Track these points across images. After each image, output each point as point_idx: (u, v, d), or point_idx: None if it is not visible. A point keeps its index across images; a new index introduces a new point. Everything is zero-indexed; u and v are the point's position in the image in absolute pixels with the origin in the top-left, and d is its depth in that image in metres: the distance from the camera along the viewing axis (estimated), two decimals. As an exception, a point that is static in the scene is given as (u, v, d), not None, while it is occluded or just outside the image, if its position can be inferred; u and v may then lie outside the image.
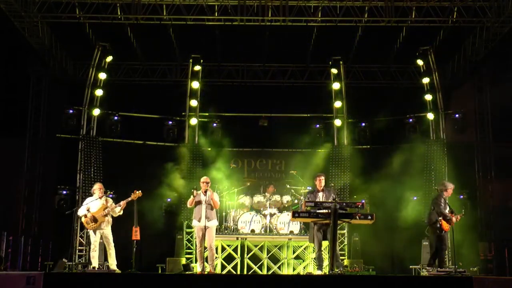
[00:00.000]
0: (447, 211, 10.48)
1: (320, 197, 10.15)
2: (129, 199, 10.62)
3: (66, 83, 15.33)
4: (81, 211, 10.74)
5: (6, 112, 14.73)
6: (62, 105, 14.28)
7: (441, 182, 11.23)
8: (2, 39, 13.61)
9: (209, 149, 14.77)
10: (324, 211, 9.49)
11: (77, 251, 13.40)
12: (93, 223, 10.54)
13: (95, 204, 10.69)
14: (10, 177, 14.70)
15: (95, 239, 10.62)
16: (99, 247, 10.95)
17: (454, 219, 10.49)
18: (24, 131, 14.77)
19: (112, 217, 10.78)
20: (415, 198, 13.76)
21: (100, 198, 10.72)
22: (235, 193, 13.40)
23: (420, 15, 12.88)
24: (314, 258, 10.64)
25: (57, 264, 11.94)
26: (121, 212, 10.78)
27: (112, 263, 10.59)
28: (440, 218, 10.44)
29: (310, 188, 13.19)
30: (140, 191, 10.70)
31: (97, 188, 10.83)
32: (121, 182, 13.09)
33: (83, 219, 10.72)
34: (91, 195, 11.03)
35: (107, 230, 10.65)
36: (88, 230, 10.76)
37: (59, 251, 13.16)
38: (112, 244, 10.64)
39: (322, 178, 10.43)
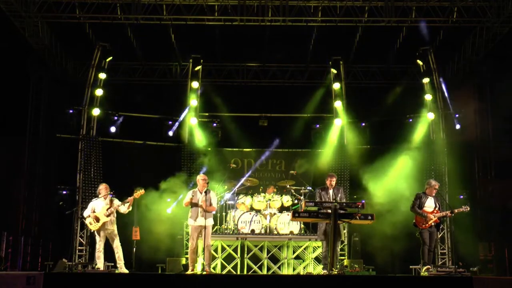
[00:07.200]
0: (425, 208, 10.57)
1: (330, 194, 10.38)
2: (134, 196, 10.68)
3: (66, 83, 15.29)
4: (86, 212, 10.80)
5: (6, 112, 14.70)
6: (62, 105, 14.29)
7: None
8: (2, 39, 13.60)
9: (209, 149, 14.77)
10: (325, 211, 9.53)
11: (77, 251, 13.41)
12: (96, 223, 10.55)
13: (99, 204, 10.73)
14: (10, 177, 14.69)
15: (100, 240, 10.61)
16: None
17: (432, 216, 10.53)
18: (24, 131, 14.72)
19: (117, 216, 10.82)
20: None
21: (105, 198, 10.76)
22: (235, 193, 13.40)
23: (420, 15, 12.89)
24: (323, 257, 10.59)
25: (57, 264, 11.94)
26: (130, 208, 10.81)
27: (120, 263, 10.59)
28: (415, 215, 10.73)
29: (310, 188, 13.23)
30: (143, 189, 10.77)
31: (103, 188, 10.87)
32: (121, 182, 13.06)
33: (87, 221, 10.73)
34: (95, 196, 11.02)
35: (112, 230, 10.65)
36: (93, 231, 10.74)
37: (59, 251, 13.16)
38: (119, 244, 10.65)
39: (334, 178, 10.63)
